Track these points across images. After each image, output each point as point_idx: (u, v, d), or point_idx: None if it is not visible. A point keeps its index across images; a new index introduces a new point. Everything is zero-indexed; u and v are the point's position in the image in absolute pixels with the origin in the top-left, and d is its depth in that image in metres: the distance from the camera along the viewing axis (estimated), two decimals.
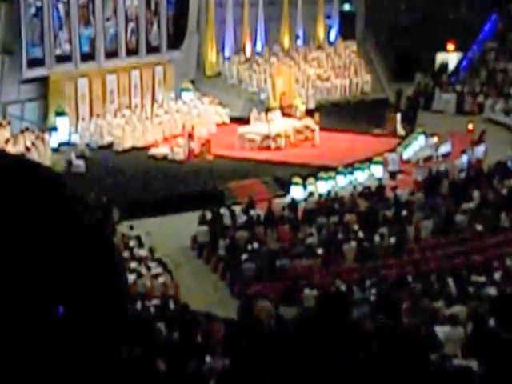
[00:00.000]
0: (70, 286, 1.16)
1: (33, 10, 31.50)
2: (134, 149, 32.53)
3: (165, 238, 24.35)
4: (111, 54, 34.76)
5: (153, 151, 32.04)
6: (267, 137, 33.28)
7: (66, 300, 1.15)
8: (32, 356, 1.11)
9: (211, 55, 40.13)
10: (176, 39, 37.38)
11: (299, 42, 44.07)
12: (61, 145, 31.45)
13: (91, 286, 1.19)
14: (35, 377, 1.12)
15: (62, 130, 31.99)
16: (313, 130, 34.48)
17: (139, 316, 16.10)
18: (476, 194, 26.49)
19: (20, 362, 1.11)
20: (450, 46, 46.44)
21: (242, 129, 34.02)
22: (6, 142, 27.77)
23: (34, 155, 28.18)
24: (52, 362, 1.13)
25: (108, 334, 1.21)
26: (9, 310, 1.11)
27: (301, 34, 44.10)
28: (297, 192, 28.56)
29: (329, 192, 28.16)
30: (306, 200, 27.31)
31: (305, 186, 28.95)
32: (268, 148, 33.09)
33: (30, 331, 1.11)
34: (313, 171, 30.19)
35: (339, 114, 38.61)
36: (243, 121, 35.40)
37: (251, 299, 19.09)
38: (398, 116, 37.25)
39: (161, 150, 32.06)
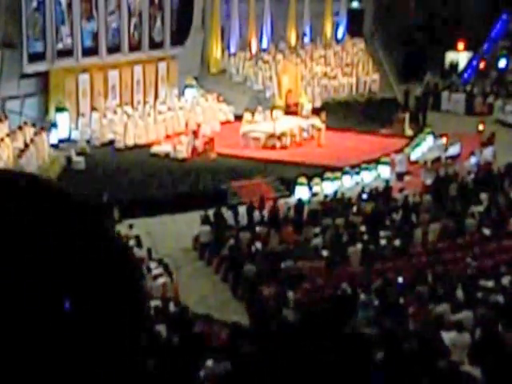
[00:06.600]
0: (77, 280, 1.14)
1: (34, 4, 30.98)
2: (135, 146, 31.95)
3: (166, 238, 23.83)
4: (113, 49, 34.21)
5: (155, 149, 31.44)
6: (272, 136, 32.69)
7: (73, 294, 1.13)
8: (37, 352, 1.10)
9: (216, 52, 39.60)
10: (180, 35, 36.82)
11: (306, 39, 43.57)
12: (61, 141, 30.92)
13: (100, 280, 1.16)
14: (41, 374, 1.10)
15: (62, 126, 31.46)
16: (319, 129, 33.90)
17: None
18: (485, 196, 25.89)
19: (25, 359, 1.09)
20: (460, 45, 45.80)
21: (246, 127, 33.41)
22: (3, 138, 26.99)
23: (32, 151, 27.57)
24: (58, 359, 1.11)
25: (118, 333, 1.19)
26: (16, 305, 1.10)
27: (308, 31, 43.59)
28: (302, 192, 27.98)
29: (335, 192, 27.55)
30: (309, 201, 26.74)
31: (310, 187, 28.38)
32: (273, 147, 32.47)
33: (35, 326, 1.10)
34: (318, 171, 29.60)
35: (346, 113, 38.09)
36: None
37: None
38: (407, 116, 36.65)
39: (163, 148, 31.48)
